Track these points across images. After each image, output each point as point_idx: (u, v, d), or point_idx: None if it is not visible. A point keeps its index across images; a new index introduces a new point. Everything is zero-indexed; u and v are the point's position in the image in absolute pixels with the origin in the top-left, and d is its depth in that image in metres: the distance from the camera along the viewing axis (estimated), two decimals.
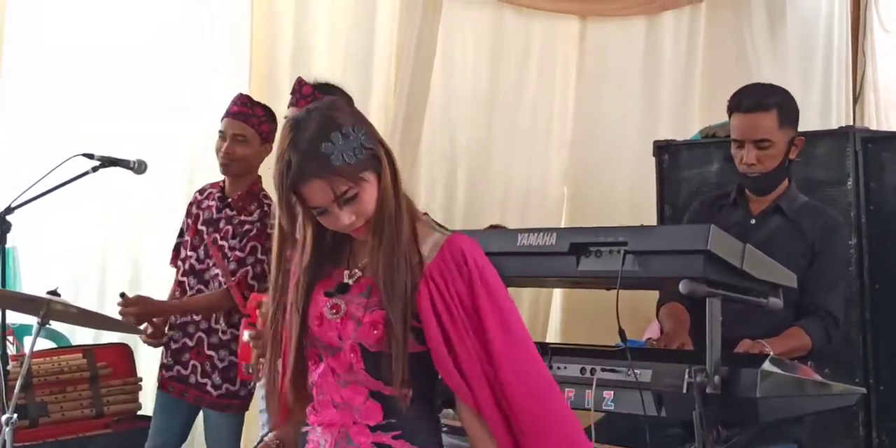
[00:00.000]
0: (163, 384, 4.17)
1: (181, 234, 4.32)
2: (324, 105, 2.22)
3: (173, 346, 4.12)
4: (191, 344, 4.10)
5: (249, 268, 4.00)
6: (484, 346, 2.19)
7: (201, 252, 4.15)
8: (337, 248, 2.30)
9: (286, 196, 2.18)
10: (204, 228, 4.17)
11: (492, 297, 2.21)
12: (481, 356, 2.19)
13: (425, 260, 2.20)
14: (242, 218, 4.11)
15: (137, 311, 3.96)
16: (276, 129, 3.98)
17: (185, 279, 4.17)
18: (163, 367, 4.18)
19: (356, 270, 2.27)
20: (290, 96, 3.73)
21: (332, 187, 2.13)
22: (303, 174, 2.12)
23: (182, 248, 4.27)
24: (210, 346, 4.08)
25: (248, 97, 4.17)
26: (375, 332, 2.19)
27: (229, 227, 4.11)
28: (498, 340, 2.19)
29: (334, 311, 2.25)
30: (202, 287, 4.11)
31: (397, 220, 2.20)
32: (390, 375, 2.17)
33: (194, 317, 4.09)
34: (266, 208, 4.16)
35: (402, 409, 2.22)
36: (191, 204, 4.31)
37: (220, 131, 4.09)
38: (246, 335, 3.46)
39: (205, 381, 4.08)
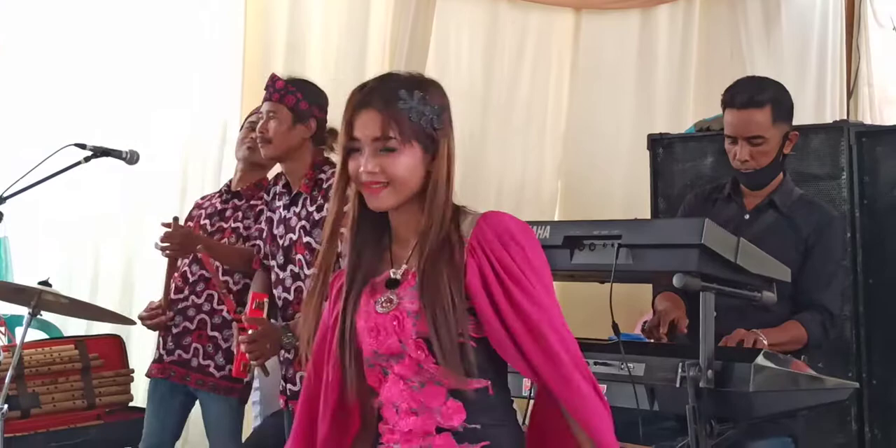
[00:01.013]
0: (162, 370, 4.12)
1: None
2: (433, 81, 2.25)
3: (174, 330, 4.11)
4: (191, 327, 4.09)
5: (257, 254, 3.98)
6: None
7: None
8: (377, 258, 2.26)
9: (347, 120, 2.18)
10: (208, 221, 4.18)
11: (527, 264, 2.15)
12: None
13: (464, 236, 2.16)
14: (252, 202, 4.14)
15: (179, 239, 3.88)
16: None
17: (186, 268, 4.16)
18: (162, 354, 4.15)
19: (403, 265, 2.22)
20: (264, 92, 3.70)
21: (382, 125, 2.13)
22: (368, 100, 2.15)
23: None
24: (213, 327, 4.07)
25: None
26: None
27: (239, 214, 4.13)
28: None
29: (386, 304, 2.19)
30: (204, 272, 4.08)
31: (444, 210, 2.18)
32: (463, 364, 2.10)
33: (195, 299, 4.08)
34: None
35: (486, 407, 2.15)
36: (191, 213, 4.31)
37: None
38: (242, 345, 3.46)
39: (207, 362, 4.07)
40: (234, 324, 3.61)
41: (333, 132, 3.68)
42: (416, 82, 2.19)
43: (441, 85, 2.26)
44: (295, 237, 3.61)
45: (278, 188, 3.78)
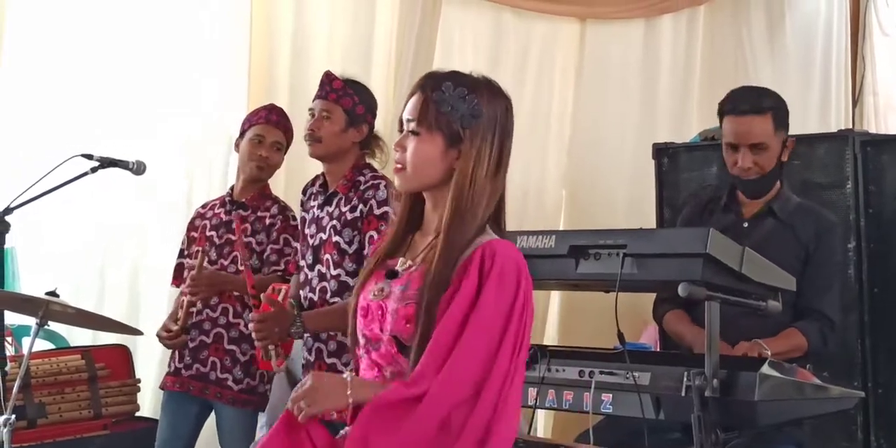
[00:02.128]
0: (181, 384, 4.12)
1: (181, 255, 4.32)
2: (497, 91, 2.37)
3: (191, 345, 4.11)
4: (208, 341, 4.09)
5: (290, 258, 4.02)
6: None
7: (212, 254, 4.15)
8: (402, 242, 2.35)
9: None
10: (214, 233, 4.18)
11: (482, 301, 2.17)
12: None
13: (461, 257, 2.21)
14: (259, 214, 4.14)
15: (207, 282, 3.94)
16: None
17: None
18: (179, 367, 4.15)
19: (409, 261, 2.30)
20: (318, 90, 3.71)
21: (419, 108, 2.25)
22: (421, 84, 2.30)
23: (184, 268, 4.27)
24: (230, 341, 4.07)
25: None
26: (408, 325, 2.21)
27: (247, 226, 4.13)
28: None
29: (378, 291, 2.28)
30: (208, 311, 4.11)
31: (467, 216, 2.23)
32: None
33: (210, 313, 4.09)
34: (282, 203, 4.20)
35: None
36: (192, 220, 4.31)
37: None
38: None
39: (225, 376, 4.07)
40: (251, 301, 3.61)
41: (377, 138, 3.71)
42: (471, 81, 2.30)
43: (507, 100, 2.37)
44: (325, 236, 3.61)
45: (315, 188, 3.78)
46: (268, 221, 4.13)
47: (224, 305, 4.10)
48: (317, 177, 3.81)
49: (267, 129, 4.18)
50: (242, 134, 4.23)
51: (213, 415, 4.19)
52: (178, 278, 4.31)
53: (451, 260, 2.19)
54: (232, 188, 4.28)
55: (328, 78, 3.70)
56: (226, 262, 4.11)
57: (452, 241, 2.21)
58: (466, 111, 2.26)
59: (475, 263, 2.18)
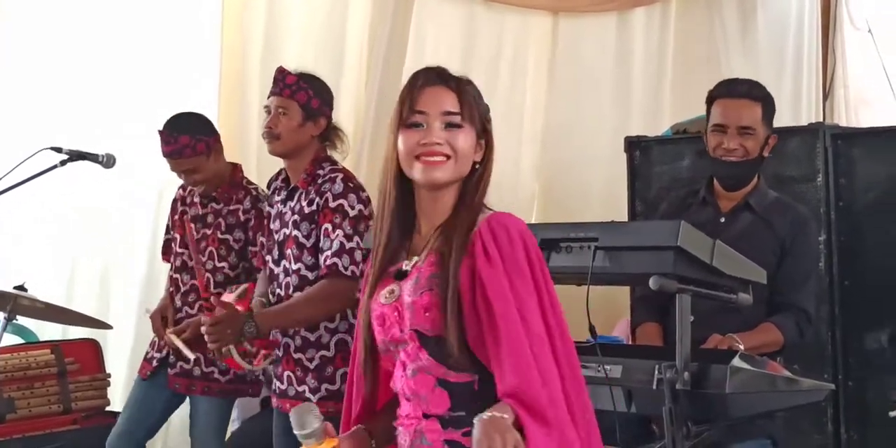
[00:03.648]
0: (168, 383, 4.15)
1: (168, 231, 4.34)
2: None
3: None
4: (188, 338, 4.09)
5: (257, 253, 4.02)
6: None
7: (190, 248, 4.15)
8: (400, 247, 2.33)
9: (410, 96, 2.28)
10: (192, 225, 4.18)
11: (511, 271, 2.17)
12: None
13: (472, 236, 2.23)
14: (232, 207, 4.13)
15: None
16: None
17: (177, 276, 4.19)
18: (153, 357, 4.17)
19: (415, 258, 2.29)
20: (272, 86, 3.68)
21: (451, 102, 2.26)
22: (439, 79, 2.28)
23: (172, 244, 4.28)
24: None
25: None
26: (427, 314, 2.19)
27: (221, 221, 4.13)
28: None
29: (390, 293, 2.27)
30: (195, 282, 4.15)
31: (476, 200, 2.29)
32: (450, 358, 2.16)
33: (189, 311, 4.10)
34: (255, 193, 4.19)
35: (470, 399, 2.19)
36: (175, 200, 4.33)
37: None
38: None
39: (210, 369, 4.11)
40: (245, 289, 3.66)
41: (336, 129, 3.69)
42: (470, 80, 2.35)
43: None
44: (288, 232, 3.59)
45: (278, 183, 3.76)
46: (242, 217, 4.13)
47: (200, 303, 4.10)
48: (279, 171, 3.80)
49: (171, 163, 4.12)
50: None
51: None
52: (166, 253, 4.37)
53: (466, 240, 2.21)
54: None
55: (281, 74, 3.67)
56: (203, 258, 4.11)
57: (465, 221, 2.25)
58: (486, 107, 2.35)
59: (488, 239, 2.19)
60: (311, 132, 3.63)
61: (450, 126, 2.25)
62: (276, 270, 3.64)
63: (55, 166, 3.71)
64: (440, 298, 2.17)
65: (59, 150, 3.71)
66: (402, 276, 2.28)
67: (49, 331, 4.67)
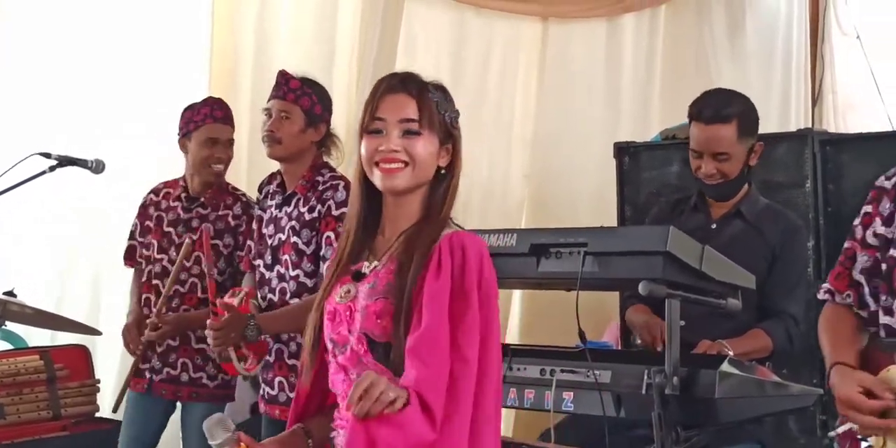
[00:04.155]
0: (152, 389, 4.15)
1: (132, 236, 4.33)
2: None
3: (158, 349, 4.12)
4: (175, 343, 4.13)
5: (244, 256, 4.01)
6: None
7: (172, 253, 4.15)
8: (362, 248, 2.35)
9: (372, 103, 2.30)
10: (172, 230, 4.17)
11: (462, 296, 2.19)
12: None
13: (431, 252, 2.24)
14: (220, 213, 4.13)
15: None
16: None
17: (157, 281, 4.17)
18: (143, 370, 4.16)
19: (375, 262, 2.31)
20: (274, 89, 3.68)
21: (409, 109, 2.28)
22: (400, 86, 2.30)
23: (140, 250, 4.26)
24: (198, 340, 4.09)
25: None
26: (379, 321, 2.21)
27: (209, 225, 4.12)
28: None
29: (346, 293, 2.30)
30: (179, 287, 4.14)
31: (444, 208, 2.31)
32: (397, 365, 2.17)
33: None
34: (245, 199, 4.19)
35: None
36: (145, 205, 4.31)
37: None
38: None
39: (199, 374, 4.12)
40: (243, 295, 3.63)
41: (333, 136, 3.69)
42: (439, 84, 2.36)
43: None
44: (284, 237, 3.59)
45: (272, 187, 3.75)
46: (233, 223, 4.13)
47: (185, 308, 4.11)
48: (273, 175, 3.79)
49: (217, 128, 4.17)
50: (187, 133, 4.19)
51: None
52: (130, 259, 4.34)
53: (426, 254, 2.22)
54: (185, 179, 4.26)
55: (284, 78, 3.67)
56: (188, 263, 4.11)
57: (432, 233, 2.26)
58: (451, 111, 2.35)
59: (444, 256, 2.20)
60: (312, 138, 3.64)
61: (408, 133, 2.27)
62: (269, 275, 3.63)
63: (44, 172, 3.70)
64: (394, 307, 2.20)
65: (48, 155, 3.70)
66: (359, 277, 2.30)
67: (38, 337, 4.66)
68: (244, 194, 4.25)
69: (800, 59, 6.84)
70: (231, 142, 4.22)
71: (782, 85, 6.73)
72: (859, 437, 2.34)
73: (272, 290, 3.61)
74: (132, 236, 4.35)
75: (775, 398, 2.92)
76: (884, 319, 2.46)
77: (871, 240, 2.53)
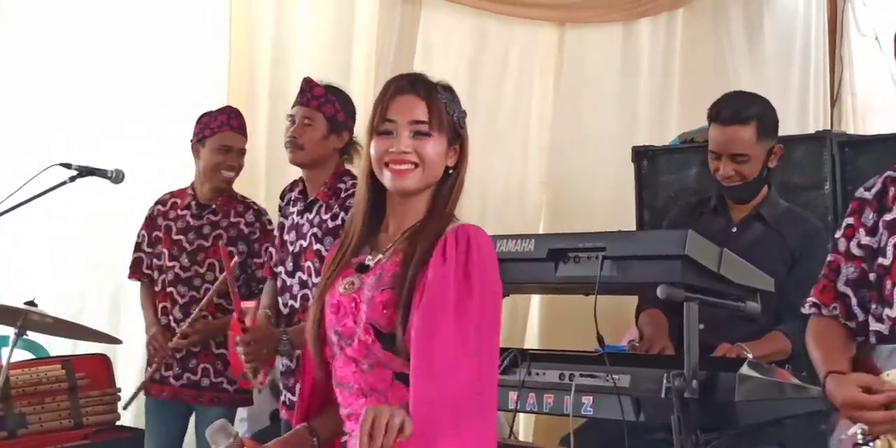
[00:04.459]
0: (173, 394, 4.20)
1: (138, 248, 4.36)
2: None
3: (178, 355, 4.14)
4: (196, 349, 4.16)
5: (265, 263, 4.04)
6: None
7: (185, 260, 4.18)
8: (364, 242, 2.37)
9: (382, 104, 2.32)
10: (182, 237, 4.19)
11: (466, 289, 2.20)
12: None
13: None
14: (232, 220, 4.18)
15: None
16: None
17: (172, 289, 4.20)
18: (166, 376, 4.21)
19: (378, 255, 2.32)
20: (298, 96, 3.70)
21: (419, 110, 2.29)
22: (410, 87, 2.32)
23: (149, 261, 4.29)
24: (218, 345, 4.13)
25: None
26: (385, 311, 2.22)
27: (222, 233, 4.17)
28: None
29: (350, 285, 2.31)
30: (195, 294, 4.18)
31: (449, 205, 2.34)
32: (402, 351, 2.19)
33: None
34: (256, 207, 4.22)
35: None
36: (153, 217, 4.34)
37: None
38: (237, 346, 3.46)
39: (220, 379, 4.16)
40: (230, 330, 3.61)
41: (355, 143, 3.70)
42: (447, 85, 2.38)
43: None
44: (305, 244, 3.60)
45: (294, 194, 3.76)
46: (245, 230, 4.17)
47: (204, 314, 4.12)
48: (295, 182, 3.80)
49: (231, 136, 4.22)
50: (202, 139, 4.23)
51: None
52: (136, 272, 4.38)
53: (432, 246, 2.24)
54: (193, 186, 4.30)
55: (308, 85, 3.68)
56: (201, 270, 4.16)
57: (437, 228, 2.28)
58: (460, 113, 2.36)
59: (450, 248, 2.23)
60: (335, 145, 3.64)
61: (418, 134, 2.29)
62: (290, 282, 3.64)
63: (65, 182, 3.72)
64: (399, 297, 2.21)
65: (68, 166, 3.72)
66: (363, 269, 2.32)
67: (59, 346, 4.68)
68: (254, 202, 4.30)
69: (818, 60, 6.82)
70: (243, 151, 4.26)
71: (800, 87, 6.71)
72: (859, 440, 2.32)
73: (293, 297, 3.62)
74: (138, 248, 4.38)
75: (795, 401, 2.91)
76: (875, 326, 2.45)
77: (855, 251, 2.52)
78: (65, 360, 4.44)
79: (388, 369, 2.24)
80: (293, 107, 3.70)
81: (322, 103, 3.64)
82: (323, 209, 3.58)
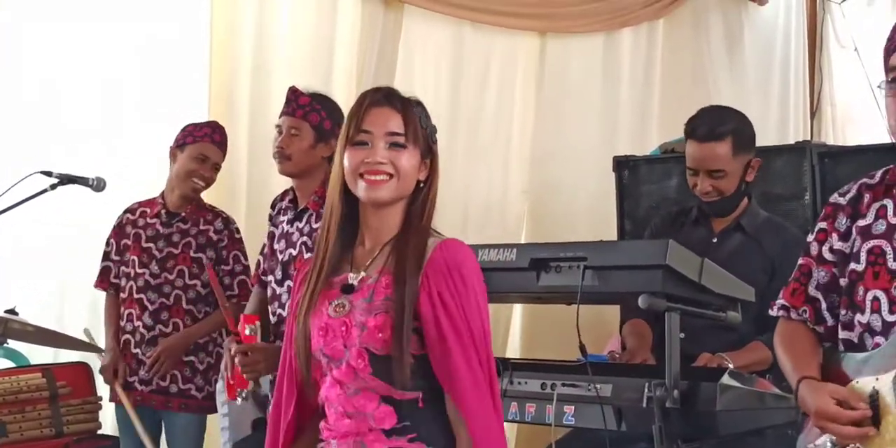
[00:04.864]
0: (142, 400, 4.20)
1: (107, 257, 4.36)
2: None
3: (147, 361, 4.15)
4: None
5: (244, 277, 4.13)
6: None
7: (154, 267, 4.20)
8: (340, 257, 2.36)
9: (357, 115, 2.32)
10: (152, 245, 4.20)
11: (463, 307, 2.24)
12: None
13: (424, 260, 2.28)
14: (201, 228, 4.21)
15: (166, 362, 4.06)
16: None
17: (141, 295, 4.20)
18: (131, 382, 4.20)
19: (361, 273, 2.32)
20: (284, 106, 3.70)
21: (395, 122, 2.32)
22: (385, 100, 2.34)
23: (116, 269, 4.30)
24: (187, 353, 4.16)
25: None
26: (381, 335, 2.23)
27: (191, 240, 4.19)
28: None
29: (340, 308, 2.30)
30: (164, 300, 4.19)
31: (424, 219, 2.35)
32: (397, 378, 2.21)
33: (163, 329, 4.16)
34: (224, 215, 4.23)
35: (415, 412, 2.25)
36: (121, 225, 4.34)
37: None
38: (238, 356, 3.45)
39: (188, 386, 4.17)
40: (231, 338, 3.59)
41: None
42: (418, 100, 2.40)
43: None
44: (295, 252, 3.60)
45: (284, 203, 3.75)
46: (214, 237, 4.20)
47: (174, 320, 4.19)
48: (286, 191, 3.80)
49: (211, 148, 4.24)
50: (182, 145, 4.24)
51: None
52: (104, 281, 4.37)
53: (421, 264, 2.26)
54: (163, 195, 4.31)
55: (294, 94, 3.68)
56: (171, 277, 4.19)
57: (419, 245, 2.29)
58: (433, 128, 2.38)
59: (444, 272, 2.25)
60: (322, 153, 3.64)
61: (394, 146, 2.31)
62: (280, 290, 3.64)
63: (45, 190, 3.72)
64: (394, 321, 2.22)
65: (48, 173, 3.72)
66: (349, 290, 2.31)
67: (40, 354, 4.66)
68: (223, 211, 4.34)
69: (798, 71, 6.87)
70: (218, 167, 4.28)
71: (780, 97, 6.75)
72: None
73: (282, 306, 3.62)
74: (107, 257, 4.37)
75: (776, 410, 2.92)
76: (843, 334, 2.46)
77: (827, 255, 2.54)
78: (45, 369, 4.42)
79: (375, 393, 2.25)
80: (280, 117, 3.70)
81: (307, 112, 3.63)
82: (314, 218, 3.58)
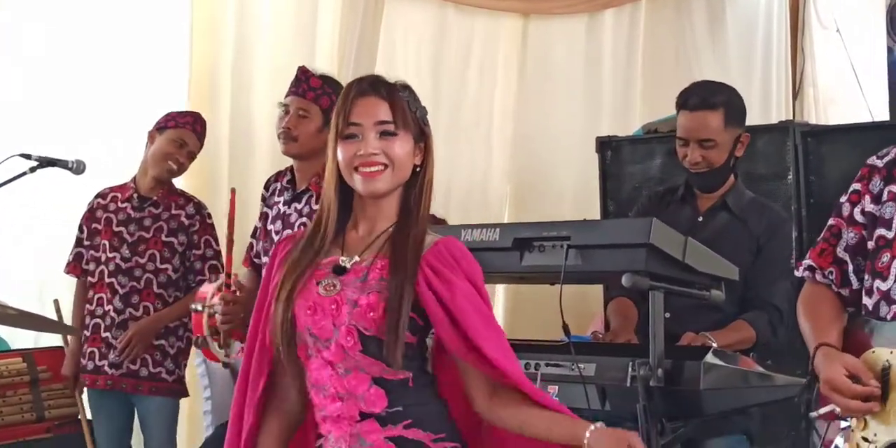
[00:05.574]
0: (112, 383, 4.18)
1: (79, 243, 4.33)
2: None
3: (117, 344, 4.12)
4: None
5: (216, 262, 4.13)
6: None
7: (125, 251, 4.18)
8: (331, 241, 2.34)
9: (345, 107, 2.31)
10: (123, 229, 4.19)
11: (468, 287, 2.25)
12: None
13: (422, 251, 2.27)
14: (173, 212, 4.21)
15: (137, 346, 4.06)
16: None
17: (112, 279, 4.18)
18: (100, 366, 4.18)
19: (354, 257, 2.30)
20: (293, 85, 3.65)
21: (383, 110, 2.29)
22: (370, 89, 2.31)
23: (87, 252, 4.29)
24: (157, 336, 4.16)
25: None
26: (372, 314, 2.21)
27: (162, 224, 4.19)
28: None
29: (330, 288, 2.27)
30: (135, 284, 4.18)
31: (422, 205, 2.34)
32: (389, 357, 2.19)
33: (133, 312, 4.14)
34: (196, 200, 4.22)
35: (406, 394, 2.24)
36: (92, 210, 4.32)
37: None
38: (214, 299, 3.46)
39: (158, 370, 4.17)
40: (223, 280, 3.58)
41: None
42: (405, 84, 2.38)
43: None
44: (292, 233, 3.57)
45: (280, 184, 3.72)
46: (186, 222, 4.21)
47: (145, 304, 4.19)
48: (280, 172, 3.77)
49: (191, 136, 4.25)
50: (162, 128, 4.24)
51: None
52: (76, 267, 4.34)
53: (420, 251, 2.25)
54: (135, 180, 4.30)
55: (304, 75, 3.64)
56: (142, 261, 4.19)
57: (418, 234, 2.29)
58: (422, 109, 2.36)
59: (448, 259, 2.26)
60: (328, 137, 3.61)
61: (384, 134, 2.29)
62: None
63: (25, 173, 3.69)
64: (387, 302, 2.21)
65: (28, 156, 3.69)
66: (340, 270, 2.29)
67: (21, 339, 4.64)
68: (194, 196, 4.34)
69: (780, 52, 6.86)
70: (193, 155, 4.29)
71: (763, 78, 6.75)
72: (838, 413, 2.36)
73: None
74: (79, 243, 4.35)
75: (760, 389, 2.92)
76: (864, 300, 2.46)
77: (858, 217, 2.52)
78: (26, 353, 4.41)
79: (365, 373, 2.23)
80: (287, 96, 3.65)
81: (319, 96, 3.60)
82: (314, 199, 3.55)
